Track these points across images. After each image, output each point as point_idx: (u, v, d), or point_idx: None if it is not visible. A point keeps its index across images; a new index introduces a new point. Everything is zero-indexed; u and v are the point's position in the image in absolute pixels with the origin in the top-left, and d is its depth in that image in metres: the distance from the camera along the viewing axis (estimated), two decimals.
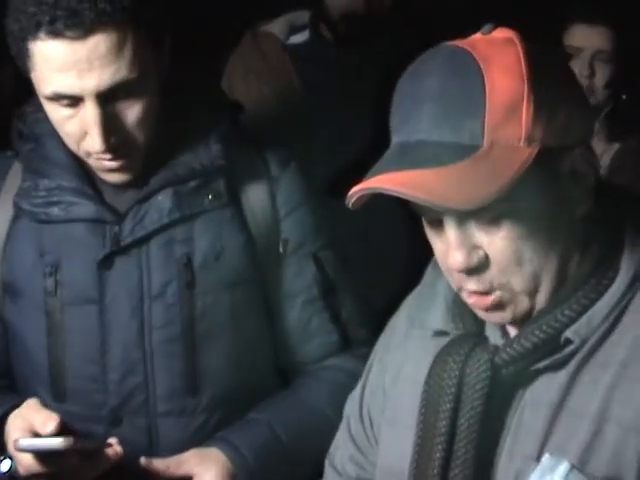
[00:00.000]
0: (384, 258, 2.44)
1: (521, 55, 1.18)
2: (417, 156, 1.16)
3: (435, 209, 1.18)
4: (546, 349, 1.23)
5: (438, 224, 1.22)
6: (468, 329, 1.32)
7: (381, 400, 1.45)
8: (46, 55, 1.51)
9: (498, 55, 1.18)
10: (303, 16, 2.68)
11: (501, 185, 1.12)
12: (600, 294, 1.23)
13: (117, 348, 1.65)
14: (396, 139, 1.22)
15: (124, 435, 1.61)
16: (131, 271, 1.65)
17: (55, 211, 1.65)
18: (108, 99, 1.54)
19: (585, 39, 2.77)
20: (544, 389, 1.23)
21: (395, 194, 1.14)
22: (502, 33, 1.22)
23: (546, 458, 1.17)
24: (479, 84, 1.16)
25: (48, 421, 1.50)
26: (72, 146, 1.61)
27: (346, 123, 2.51)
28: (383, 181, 1.16)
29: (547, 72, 1.19)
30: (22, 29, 1.52)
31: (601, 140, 2.74)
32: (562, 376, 1.22)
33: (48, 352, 1.67)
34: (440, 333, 1.34)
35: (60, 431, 1.50)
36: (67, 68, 1.51)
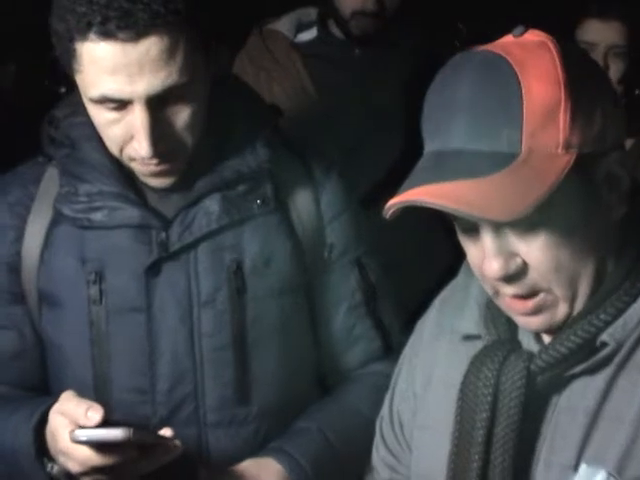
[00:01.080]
0: (416, 260, 2.44)
1: (557, 59, 1.16)
2: (454, 167, 1.15)
3: (475, 220, 1.17)
4: (582, 354, 1.21)
5: (473, 231, 1.21)
6: (501, 334, 1.30)
7: (412, 403, 1.44)
8: (95, 57, 1.46)
9: (533, 60, 1.16)
10: (310, 13, 2.68)
11: (540, 194, 1.11)
12: (635, 297, 1.22)
13: (166, 357, 1.61)
14: (430, 148, 1.21)
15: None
16: (179, 278, 1.62)
17: (98, 217, 1.61)
18: (157, 103, 1.50)
19: (599, 34, 2.76)
20: (580, 395, 1.22)
21: (435, 207, 1.12)
22: (534, 36, 1.21)
23: (583, 469, 1.16)
24: (516, 91, 1.14)
25: (92, 412, 1.43)
26: (115, 150, 1.57)
27: (365, 125, 2.50)
28: (421, 194, 1.14)
29: (583, 76, 1.18)
30: (70, 29, 1.47)
31: None
32: (599, 381, 1.21)
33: (92, 364, 1.63)
34: (471, 337, 1.33)
35: (106, 421, 1.43)
36: (117, 71, 1.46)
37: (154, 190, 1.63)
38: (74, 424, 1.44)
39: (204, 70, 1.55)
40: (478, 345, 1.31)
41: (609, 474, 1.15)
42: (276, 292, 1.65)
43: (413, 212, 1.16)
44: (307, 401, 1.71)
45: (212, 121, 1.62)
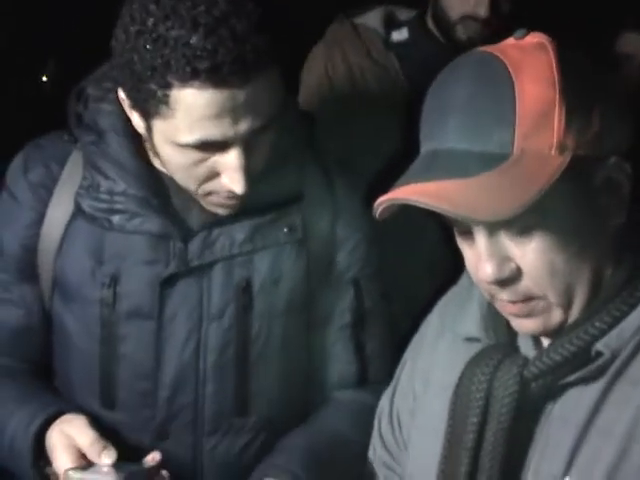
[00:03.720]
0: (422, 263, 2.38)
1: (553, 61, 1.15)
2: (444, 166, 1.14)
3: (462, 221, 1.15)
4: (577, 362, 1.20)
5: (469, 234, 1.20)
6: (500, 338, 1.29)
7: (411, 403, 1.44)
8: (199, 103, 1.39)
9: (529, 61, 1.15)
10: (398, 11, 2.54)
11: (530, 196, 1.09)
12: (632, 306, 1.20)
13: (171, 366, 1.62)
14: (425, 148, 1.20)
15: (169, 449, 1.60)
16: (192, 291, 1.61)
17: (118, 220, 1.59)
18: (251, 140, 1.46)
19: (636, 47, 2.73)
20: (573, 405, 1.21)
21: (421, 205, 1.12)
22: (534, 38, 1.20)
23: None
24: (509, 92, 1.13)
25: (105, 456, 1.48)
26: (190, 186, 1.53)
27: None
28: (409, 192, 1.14)
29: (580, 79, 1.16)
30: (164, 75, 1.39)
31: None
32: (592, 392, 1.19)
33: (100, 361, 1.63)
34: (472, 339, 1.32)
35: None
36: (222, 115, 1.40)
37: (180, 198, 1.60)
38: (79, 454, 1.49)
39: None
40: (477, 348, 1.30)
41: None
42: (282, 311, 1.65)
43: (420, 219, 1.14)
44: (303, 412, 1.71)
45: None
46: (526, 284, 1.18)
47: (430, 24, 2.48)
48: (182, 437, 1.64)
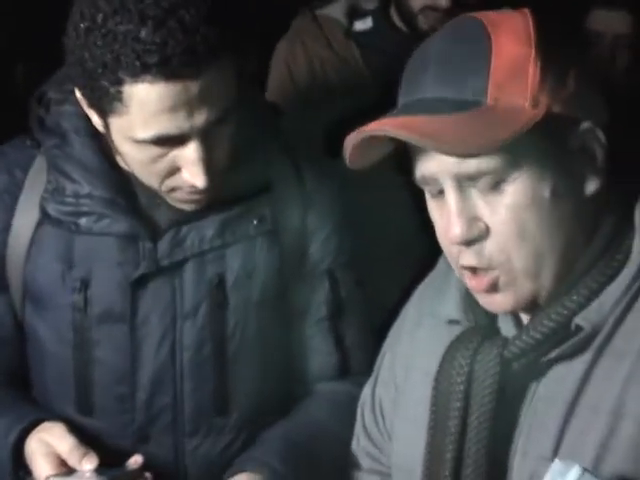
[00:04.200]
0: (398, 249, 2.36)
1: (530, 22, 1.17)
2: (417, 107, 1.15)
3: (427, 148, 1.15)
4: (557, 338, 1.18)
5: (439, 196, 1.19)
6: (480, 320, 1.27)
7: (393, 392, 1.41)
8: (152, 97, 1.38)
9: (507, 21, 1.18)
10: (363, 1, 2.56)
11: (500, 138, 1.10)
12: (610, 278, 1.18)
13: (147, 368, 1.59)
14: (400, 102, 1.21)
15: (151, 452, 1.58)
16: (164, 290, 1.58)
17: (85, 222, 1.56)
18: (209, 134, 1.44)
19: (606, 24, 2.72)
20: (558, 382, 1.18)
21: (388, 134, 1.12)
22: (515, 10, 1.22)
23: (556, 463, 1.11)
24: (485, 45, 1.15)
25: (86, 462, 1.46)
26: (153, 183, 1.51)
27: None
28: (378, 125, 1.14)
29: (556, 42, 1.18)
30: (115, 70, 1.37)
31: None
32: (577, 369, 1.17)
33: (74, 367, 1.61)
34: (453, 322, 1.30)
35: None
36: (176, 109, 1.39)
37: (147, 195, 1.58)
38: (59, 462, 1.47)
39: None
40: (458, 331, 1.27)
41: (583, 469, 1.09)
42: (257, 304, 1.62)
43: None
44: (284, 408, 1.68)
45: None
46: (491, 247, 1.16)
47: (393, 14, 2.52)
48: (163, 439, 1.61)
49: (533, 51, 1.14)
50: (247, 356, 1.63)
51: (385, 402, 1.44)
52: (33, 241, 1.60)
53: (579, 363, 1.17)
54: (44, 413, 1.58)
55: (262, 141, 1.63)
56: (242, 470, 1.54)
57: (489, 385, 1.19)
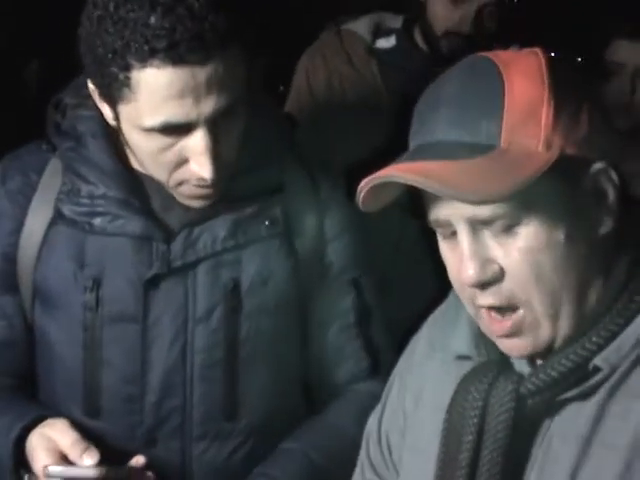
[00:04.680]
0: (409, 279, 2.38)
1: (543, 62, 1.17)
2: (431, 152, 1.15)
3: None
4: (573, 378, 1.17)
5: (452, 237, 1.19)
6: (491, 355, 1.26)
7: (401, 423, 1.40)
8: (160, 83, 1.41)
9: (519, 61, 1.17)
10: (389, 19, 2.59)
11: (514, 183, 1.09)
12: (628, 319, 1.17)
13: (157, 370, 1.60)
14: (413, 144, 1.20)
15: (158, 456, 1.58)
16: (177, 292, 1.59)
17: (100, 222, 1.58)
18: (217, 124, 1.46)
19: (627, 55, 2.70)
20: (572, 420, 1.18)
21: (405, 182, 1.12)
22: (527, 49, 1.21)
23: None
24: (498, 86, 1.15)
25: (87, 456, 1.47)
26: (161, 176, 1.53)
27: None
28: (393, 170, 1.14)
29: (569, 82, 1.17)
30: (124, 56, 1.41)
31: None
32: (591, 406, 1.16)
33: (84, 368, 1.61)
34: (463, 357, 1.29)
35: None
36: (184, 95, 1.41)
37: (161, 198, 1.60)
38: (60, 455, 1.47)
39: (247, 85, 1.52)
40: (469, 366, 1.27)
41: None
42: (271, 310, 1.63)
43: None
44: (294, 415, 1.69)
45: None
46: (509, 286, 1.16)
47: (417, 34, 2.55)
48: (170, 443, 1.61)
49: (546, 92, 1.14)
50: (259, 362, 1.63)
51: (392, 433, 1.42)
52: (45, 241, 1.62)
53: (592, 401, 1.17)
54: (47, 411, 1.59)
55: (276, 148, 1.65)
56: None
57: (503, 420, 1.18)
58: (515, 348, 1.21)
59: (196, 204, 1.57)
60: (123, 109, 1.46)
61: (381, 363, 1.73)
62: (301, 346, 1.70)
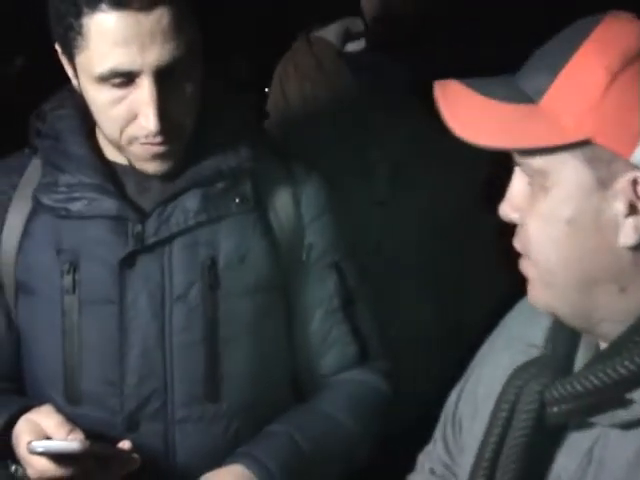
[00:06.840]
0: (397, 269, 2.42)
1: (633, 51, 1.08)
2: (493, 84, 1.15)
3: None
4: (603, 399, 1.13)
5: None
6: (558, 349, 1.22)
7: (473, 409, 1.38)
8: (106, 28, 1.47)
9: (611, 37, 1.10)
10: (359, 23, 2.60)
11: (513, 142, 1.10)
12: None
13: (136, 351, 1.61)
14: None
15: (141, 440, 1.59)
16: (153, 271, 1.61)
17: (76, 207, 1.61)
18: (164, 77, 1.50)
19: None
20: (617, 447, 1.13)
21: (437, 98, 1.14)
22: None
23: None
24: (571, 49, 1.10)
25: (72, 436, 1.48)
26: (114, 133, 1.56)
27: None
28: (450, 82, 1.15)
29: None
30: (77, 3, 1.47)
31: None
32: (632, 439, 1.12)
33: (63, 353, 1.62)
34: (532, 346, 1.26)
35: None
36: (129, 42, 1.47)
37: (134, 183, 1.64)
38: (43, 434, 1.49)
39: (201, 49, 1.57)
40: (535, 356, 1.25)
41: None
42: (250, 290, 1.65)
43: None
44: (279, 400, 1.71)
45: (200, 114, 1.61)
46: (523, 235, 1.17)
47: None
48: (153, 426, 1.62)
49: (609, 79, 1.07)
50: (240, 343, 1.64)
51: (465, 417, 1.40)
52: (25, 233, 1.65)
53: (634, 435, 1.12)
54: (32, 401, 1.59)
55: (247, 130, 1.68)
56: (238, 463, 1.57)
57: (525, 419, 1.18)
58: (530, 295, 1.21)
59: (151, 168, 1.59)
60: (79, 61, 1.52)
61: (369, 350, 1.75)
62: (285, 330, 1.72)
